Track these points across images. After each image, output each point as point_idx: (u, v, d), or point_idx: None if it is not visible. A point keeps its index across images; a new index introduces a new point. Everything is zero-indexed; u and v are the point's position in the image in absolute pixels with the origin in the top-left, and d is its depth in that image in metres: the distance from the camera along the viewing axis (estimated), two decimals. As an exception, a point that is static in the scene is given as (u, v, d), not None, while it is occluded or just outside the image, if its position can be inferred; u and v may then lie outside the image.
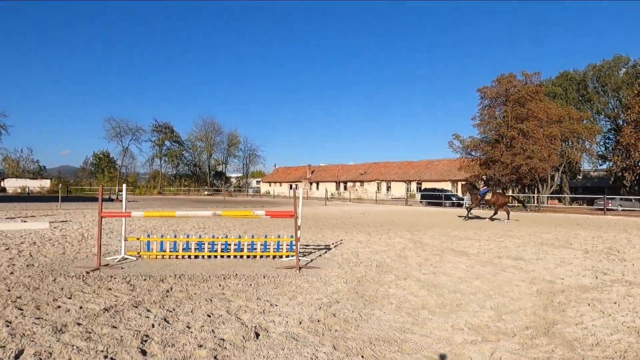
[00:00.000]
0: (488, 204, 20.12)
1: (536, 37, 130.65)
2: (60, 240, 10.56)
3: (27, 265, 7.20)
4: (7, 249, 8.84)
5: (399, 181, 58.10)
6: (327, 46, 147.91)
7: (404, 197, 55.12)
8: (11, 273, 6.53)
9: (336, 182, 67.10)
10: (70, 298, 5.17)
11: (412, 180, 56.77)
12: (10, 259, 7.67)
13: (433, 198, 37.60)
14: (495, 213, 19.75)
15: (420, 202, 41.08)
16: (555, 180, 36.21)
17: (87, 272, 6.67)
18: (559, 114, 33.65)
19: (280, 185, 77.74)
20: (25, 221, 14.80)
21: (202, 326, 4.22)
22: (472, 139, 37.23)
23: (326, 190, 53.13)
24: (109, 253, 8.38)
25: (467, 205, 22.73)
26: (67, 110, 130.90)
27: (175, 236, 8.31)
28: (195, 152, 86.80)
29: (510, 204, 22.37)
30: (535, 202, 34.00)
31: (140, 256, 7.96)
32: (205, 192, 72.85)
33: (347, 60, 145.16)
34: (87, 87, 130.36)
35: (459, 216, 22.25)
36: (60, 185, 41.03)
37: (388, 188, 59.63)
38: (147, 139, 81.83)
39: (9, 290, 5.46)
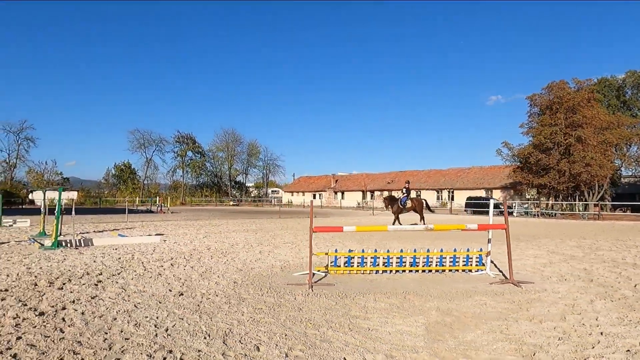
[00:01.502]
0: (408, 210, 20.19)
1: (560, 42, 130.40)
2: (204, 254, 10.40)
3: (235, 283, 7.01)
4: (172, 264, 8.67)
5: (430, 190, 57.75)
6: (349, 52, 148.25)
7: (433, 206, 54.86)
8: (241, 289, 6.32)
9: (363, 191, 66.78)
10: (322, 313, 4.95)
11: (444, 189, 56.40)
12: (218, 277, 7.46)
13: (480, 207, 37.23)
14: (421, 218, 20.43)
15: (465, 210, 40.69)
16: (604, 187, 35.76)
17: (311, 288, 6.48)
18: (609, 120, 33.39)
19: (303, 195, 77.54)
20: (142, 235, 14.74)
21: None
22: (523, 147, 36.85)
23: (372, 200, 52.86)
24: (269, 268, 8.14)
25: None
26: (71, 121, 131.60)
27: (350, 250, 8.08)
28: (217, 162, 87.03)
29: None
30: (584, 210, 33.57)
31: (327, 272, 7.74)
32: (231, 203, 72.82)
33: (369, 65, 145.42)
34: (96, 97, 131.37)
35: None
36: (92, 197, 40.96)
37: (418, 197, 59.26)
38: (169, 150, 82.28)
39: (278, 307, 5.25)
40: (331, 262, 7.79)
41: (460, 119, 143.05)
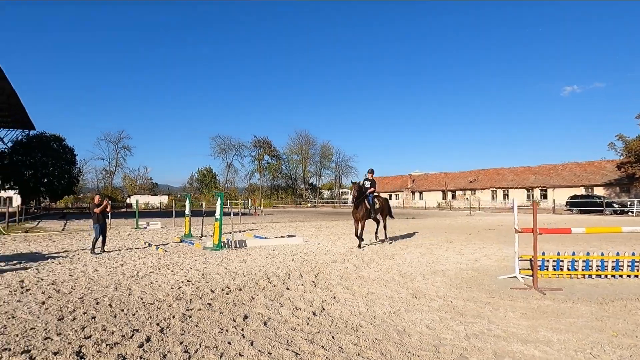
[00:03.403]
0: (377, 212, 13.12)
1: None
2: (359, 257, 10.48)
3: (450, 285, 6.93)
4: (370, 261, 8.78)
5: (518, 188, 54.53)
6: (422, 46, 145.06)
7: (525, 205, 51.70)
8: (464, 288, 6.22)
9: (443, 191, 64.75)
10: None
11: (534, 187, 52.99)
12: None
13: (588, 205, 34.42)
14: (385, 226, 13.84)
15: (569, 210, 37.88)
16: None
17: (543, 293, 6.20)
18: None
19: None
20: (290, 236, 15.37)
21: None
22: (640, 140, 33.53)
23: (477, 200, 51.19)
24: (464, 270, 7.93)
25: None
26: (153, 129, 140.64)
27: (558, 254, 7.68)
28: (292, 165, 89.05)
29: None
30: None
31: (532, 275, 7.39)
32: (308, 204, 74.05)
33: (440, 60, 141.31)
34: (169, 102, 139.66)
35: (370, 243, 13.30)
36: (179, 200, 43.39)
37: (505, 196, 56.22)
38: (247, 154, 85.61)
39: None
40: (532, 267, 7.45)
41: (534, 112, 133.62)
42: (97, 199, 11.92)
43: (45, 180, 37.51)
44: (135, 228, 20.17)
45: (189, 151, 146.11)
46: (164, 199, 72.76)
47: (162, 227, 21.05)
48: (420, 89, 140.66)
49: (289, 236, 15.70)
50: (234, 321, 4.96)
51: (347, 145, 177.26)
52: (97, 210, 11.79)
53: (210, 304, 5.76)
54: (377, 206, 12.96)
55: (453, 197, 63.25)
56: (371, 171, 13.07)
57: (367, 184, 12.75)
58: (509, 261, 9.47)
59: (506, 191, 56.49)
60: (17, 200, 45.75)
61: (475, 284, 7.04)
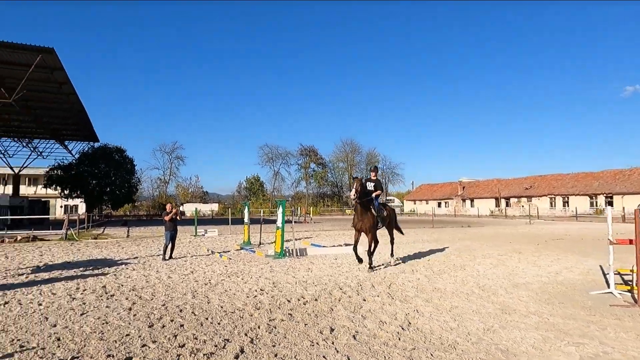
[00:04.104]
0: (383, 223, 10.29)
1: None
2: (427, 267, 10.09)
3: (537, 298, 6.44)
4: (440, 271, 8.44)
5: (580, 195, 51.23)
6: (474, 49, 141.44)
7: (587, 213, 48.46)
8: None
9: (496, 198, 62.13)
10: None
11: (598, 194, 49.55)
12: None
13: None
14: (392, 241, 11.15)
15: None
16: None
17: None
18: None
19: (427, 203, 74.96)
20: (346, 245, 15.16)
21: None
22: None
23: (535, 208, 49.04)
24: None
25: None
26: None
27: None
28: (337, 172, 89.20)
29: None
30: None
31: (631, 291, 6.73)
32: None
33: (486, 65, 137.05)
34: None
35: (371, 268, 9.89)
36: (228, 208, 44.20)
37: (565, 203, 52.99)
38: (294, 163, 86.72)
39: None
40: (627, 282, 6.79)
41: (594, 114, 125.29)
42: (168, 207, 12.34)
43: (108, 189, 39.65)
44: (194, 235, 20.76)
45: (237, 160, 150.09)
46: (215, 206, 74.96)
47: (219, 234, 21.52)
48: (467, 92, 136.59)
49: (346, 245, 15.50)
50: (322, 333, 4.83)
51: (394, 152, 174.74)
52: (166, 217, 12.21)
53: (291, 315, 5.68)
54: (384, 214, 10.15)
55: (507, 204, 60.51)
56: (374, 169, 10.47)
57: (371, 186, 9.92)
58: (594, 275, 8.76)
59: (566, 198, 53.25)
60: (82, 208, 48.73)
61: (567, 300, 6.51)
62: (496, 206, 61.73)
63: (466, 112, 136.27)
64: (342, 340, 4.61)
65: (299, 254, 12.58)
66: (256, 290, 7.29)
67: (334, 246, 14.98)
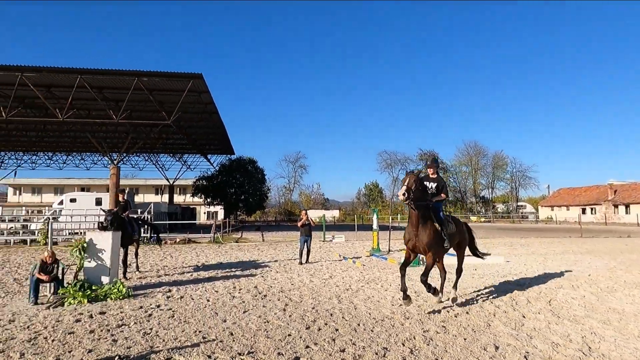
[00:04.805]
0: (450, 242, 6.64)
1: None
2: (591, 283, 8.74)
3: None
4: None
5: None
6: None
7: None
8: None
9: (661, 204, 52.19)
10: None
11: None
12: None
13: None
14: (459, 270, 7.42)
15: None
16: None
17: None
18: None
19: (568, 209, 66.46)
20: None
21: None
22: None
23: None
24: None
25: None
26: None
27: None
28: (461, 177, 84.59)
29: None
30: None
31: None
32: (482, 219, 68.83)
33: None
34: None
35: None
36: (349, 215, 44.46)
37: None
38: (413, 168, 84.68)
39: None
40: None
41: None
42: (302, 213, 13.01)
43: (243, 197, 43.66)
44: (322, 241, 21.51)
45: (356, 167, 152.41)
46: (336, 213, 77.05)
47: (346, 240, 21.94)
48: (614, 80, 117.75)
49: (491, 255, 14.43)
50: (486, 350, 4.48)
51: (524, 154, 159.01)
52: (299, 224, 12.90)
53: (444, 327, 5.41)
54: (451, 229, 6.70)
55: (677, 211, 50.35)
56: (433, 163, 7.21)
57: (432, 186, 6.77)
58: None
59: None
60: (221, 214, 54.32)
61: None
62: (661, 213, 51.82)
63: (609, 104, 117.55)
64: (514, 359, 4.20)
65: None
66: (399, 299, 7.15)
67: (468, 255, 14.07)
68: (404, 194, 5.87)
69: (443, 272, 7.16)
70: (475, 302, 6.93)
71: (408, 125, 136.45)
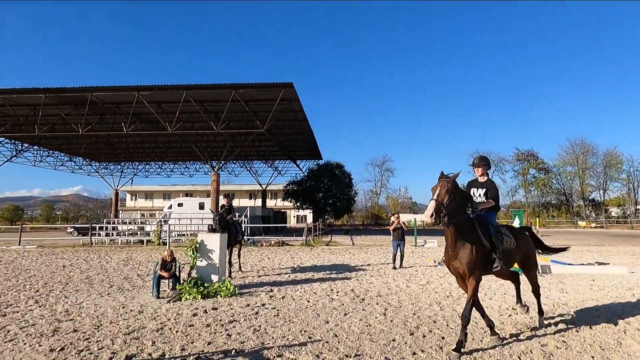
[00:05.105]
0: (507, 263, 4.75)
1: None
2: None
3: None
4: None
5: None
6: None
7: None
8: None
9: None
10: None
11: None
12: None
13: None
14: (536, 291, 5.56)
15: None
16: None
17: None
18: None
19: None
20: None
21: None
22: None
23: None
24: None
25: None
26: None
27: None
28: (565, 178, 76.93)
29: None
30: None
31: None
32: (593, 224, 61.78)
33: None
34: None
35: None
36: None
37: None
38: (509, 169, 79.20)
39: None
40: None
41: None
42: (394, 217, 12.85)
43: (331, 201, 44.39)
44: (414, 245, 20.97)
45: (446, 168, 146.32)
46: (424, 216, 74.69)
47: (438, 245, 21.15)
48: None
49: (598, 263, 12.92)
50: (621, 372, 3.99)
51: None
52: (390, 228, 12.75)
53: (564, 342, 4.93)
54: (508, 244, 5.17)
55: None
56: (481, 162, 5.54)
57: (480, 194, 5.36)
58: None
59: None
60: (309, 217, 55.76)
61: None
62: None
63: None
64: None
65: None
66: (507, 309, 6.69)
67: (582, 264, 12.71)
68: (431, 216, 4.37)
69: (474, 291, 4.73)
70: (597, 316, 6.22)
71: (501, 122, 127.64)
